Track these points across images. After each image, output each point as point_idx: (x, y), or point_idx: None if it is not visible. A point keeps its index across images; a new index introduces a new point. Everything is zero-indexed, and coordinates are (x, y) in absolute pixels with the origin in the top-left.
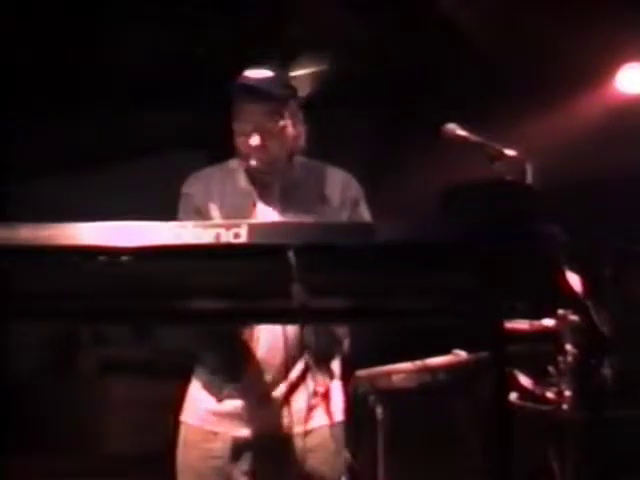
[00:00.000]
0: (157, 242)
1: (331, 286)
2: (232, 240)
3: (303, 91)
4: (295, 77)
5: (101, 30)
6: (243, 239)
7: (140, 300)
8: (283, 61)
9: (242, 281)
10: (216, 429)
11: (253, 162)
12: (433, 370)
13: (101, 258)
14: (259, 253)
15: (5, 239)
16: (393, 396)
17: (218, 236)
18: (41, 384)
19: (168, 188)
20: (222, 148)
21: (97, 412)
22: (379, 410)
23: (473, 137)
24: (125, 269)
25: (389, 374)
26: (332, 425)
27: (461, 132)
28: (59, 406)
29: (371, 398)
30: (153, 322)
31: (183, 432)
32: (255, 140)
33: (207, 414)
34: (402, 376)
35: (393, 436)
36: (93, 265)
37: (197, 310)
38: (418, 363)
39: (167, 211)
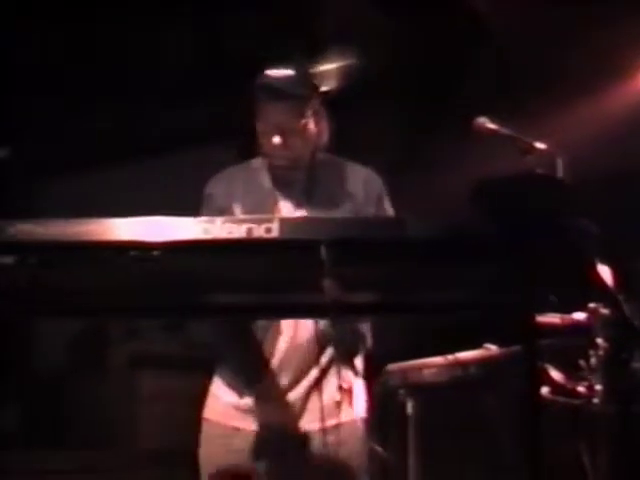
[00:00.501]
0: (190, 237)
1: (362, 281)
2: (264, 235)
3: (330, 85)
4: (322, 71)
5: (118, 26)
6: (275, 234)
7: (172, 295)
8: (310, 55)
9: (273, 276)
10: (237, 424)
11: (278, 162)
12: (464, 364)
13: (133, 253)
14: (290, 248)
15: (37, 235)
16: (424, 390)
17: (250, 231)
18: (72, 379)
19: (183, 185)
20: (238, 145)
21: (128, 407)
22: (409, 404)
23: (504, 130)
24: (156, 264)
25: (420, 368)
26: (355, 421)
27: (492, 125)
28: (90, 401)
29: (401, 392)
30: (185, 317)
31: (205, 428)
32: (277, 139)
33: (228, 409)
34: (433, 370)
35: (423, 430)
36: (125, 260)
37: (227, 305)
38: (449, 357)
39: (182, 207)
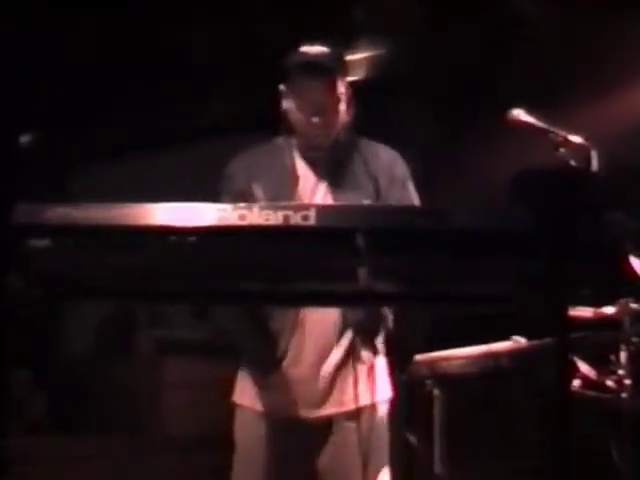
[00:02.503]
0: (226, 223)
1: (397, 270)
2: (300, 222)
3: (359, 75)
4: (351, 61)
5: (165, 14)
6: (312, 222)
7: (207, 281)
8: (341, 43)
9: (308, 264)
10: (265, 409)
11: (313, 141)
12: (496, 356)
13: (171, 238)
14: (327, 236)
15: (74, 218)
16: (451, 381)
17: (287, 218)
18: (99, 365)
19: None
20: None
21: (154, 393)
22: (437, 394)
23: (538, 123)
24: (192, 249)
25: (448, 359)
26: (378, 404)
27: (527, 118)
28: (116, 387)
29: (429, 382)
30: (219, 303)
31: (237, 413)
32: (316, 119)
33: (256, 395)
34: (462, 361)
35: (449, 420)
36: (161, 245)
37: (261, 292)
38: (480, 348)
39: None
